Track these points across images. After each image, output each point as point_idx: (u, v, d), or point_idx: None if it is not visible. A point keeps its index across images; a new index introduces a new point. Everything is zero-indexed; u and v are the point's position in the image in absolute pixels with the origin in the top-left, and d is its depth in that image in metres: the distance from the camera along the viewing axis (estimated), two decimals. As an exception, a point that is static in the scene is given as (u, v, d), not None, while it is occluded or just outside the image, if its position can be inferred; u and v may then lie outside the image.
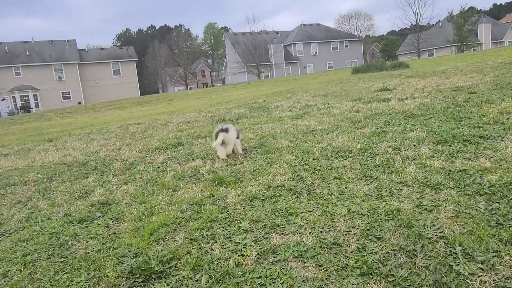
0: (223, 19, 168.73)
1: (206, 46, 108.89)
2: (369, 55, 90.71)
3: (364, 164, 3.44)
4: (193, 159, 4.37)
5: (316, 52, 59.62)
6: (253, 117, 7.84)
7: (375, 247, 2.16)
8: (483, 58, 20.38)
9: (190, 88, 67.27)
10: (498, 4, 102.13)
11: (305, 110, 7.65)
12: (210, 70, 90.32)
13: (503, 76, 9.07)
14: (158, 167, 4.23)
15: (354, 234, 2.32)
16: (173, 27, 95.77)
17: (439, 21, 66.09)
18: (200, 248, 2.35)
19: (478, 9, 63.23)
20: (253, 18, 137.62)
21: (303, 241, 2.30)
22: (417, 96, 7.69)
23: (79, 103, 46.74)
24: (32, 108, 44.58)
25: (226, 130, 4.23)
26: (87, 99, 48.49)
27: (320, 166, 3.50)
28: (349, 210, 2.61)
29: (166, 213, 2.90)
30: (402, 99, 7.57)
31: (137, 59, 54.18)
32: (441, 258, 2.00)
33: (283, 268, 2.07)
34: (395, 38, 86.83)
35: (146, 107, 19.58)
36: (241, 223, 2.60)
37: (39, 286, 2.18)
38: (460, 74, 11.62)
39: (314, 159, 3.73)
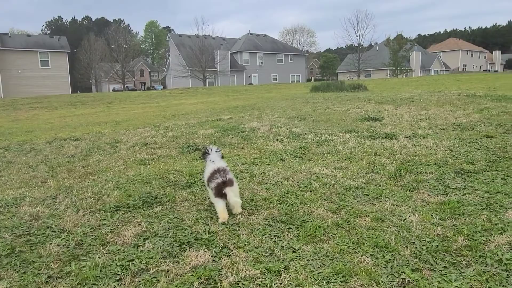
0: (166, 18, 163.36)
1: (147, 44, 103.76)
2: (307, 70, 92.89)
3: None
4: (188, 244, 2.64)
5: (262, 63, 59.09)
6: (233, 146, 6.20)
7: None
8: (433, 87, 20.79)
9: (127, 87, 62.79)
10: (423, 35, 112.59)
11: (298, 143, 6.19)
12: (149, 70, 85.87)
13: (486, 112, 8.50)
14: (130, 267, 2.43)
15: None
16: (112, 21, 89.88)
17: (371, 44, 69.73)
18: None
19: (406, 37, 68.17)
20: (202, 20, 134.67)
21: None
22: (424, 134, 6.64)
23: (-4, 94, 40.77)
24: None
25: (231, 183, 3.07)
26: (8, 91, 42.53)
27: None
28: None
29: None
30: (410, 136, 6.46)
31: (69, 51, 49.03)
32: None
33: None
34: (333, 56, 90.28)
35: (81, 110, 16.78)
36: None
37: None
38: (433, 105, 11.04)
39: (412, 271, 2.25)
